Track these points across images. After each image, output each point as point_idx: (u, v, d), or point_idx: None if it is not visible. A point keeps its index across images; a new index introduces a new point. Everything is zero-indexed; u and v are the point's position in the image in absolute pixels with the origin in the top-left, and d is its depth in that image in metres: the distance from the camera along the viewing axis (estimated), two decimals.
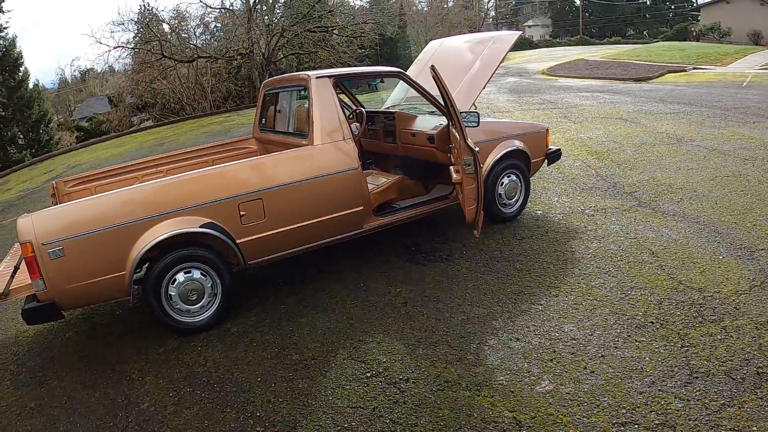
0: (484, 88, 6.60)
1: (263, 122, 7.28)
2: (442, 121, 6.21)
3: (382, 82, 7.95)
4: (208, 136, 20.09)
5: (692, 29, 52.55)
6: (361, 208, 5.60)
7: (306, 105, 5.78)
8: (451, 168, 5.67)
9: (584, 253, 5.74)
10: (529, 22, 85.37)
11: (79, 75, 68.08)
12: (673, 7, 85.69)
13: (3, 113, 28.25)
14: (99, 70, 57.30)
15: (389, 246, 6.46)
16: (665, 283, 4.96)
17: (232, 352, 4.63)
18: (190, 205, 4.82)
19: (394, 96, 8.05)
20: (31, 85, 32.28)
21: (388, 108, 7.61)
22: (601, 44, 60.21)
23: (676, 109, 14.04)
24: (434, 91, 5.92)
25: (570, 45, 62.49)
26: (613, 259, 5.52)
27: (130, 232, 4.64)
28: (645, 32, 77.94)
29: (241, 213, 4.99)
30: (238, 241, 5.00)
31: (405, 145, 6.75)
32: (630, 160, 9.21)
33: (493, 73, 6.64)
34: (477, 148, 5.34)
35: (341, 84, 6.57)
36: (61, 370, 4.78)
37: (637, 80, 22.73)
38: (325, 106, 5.55)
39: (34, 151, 29.77)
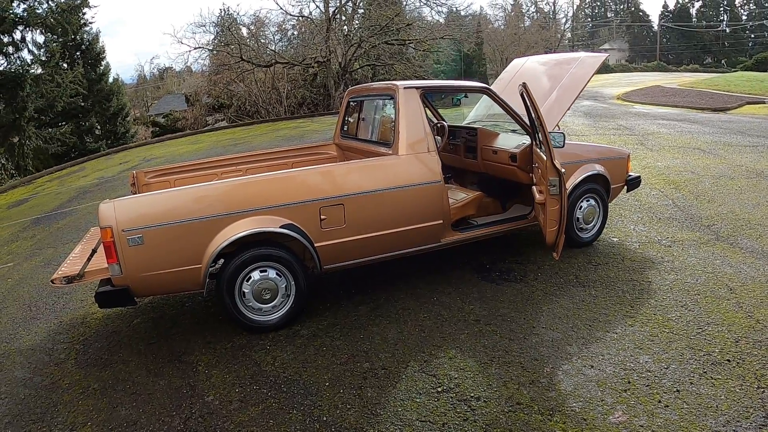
0: (568, 109, 6.54)
1: (345, 129, 7.34)
2: (525, 140, 6.18)
3: (465, 97, 7.98)
4: (282, 140, 20.42)
5: None
6: (441, 221, 5.60)
7: (392, 114, 5.82)
8: (534, 188, 5.66)
9: (661, 284, 5.64)
10: (606, 46, 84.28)
11: (157, 73, 70.10)
12: (753, 36, 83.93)
13: (83, 104, 29.21)
14: (177, 69, 58.82)
15: (464, 262, 6.45)
16: (743, 320, 4.83)
17: (301, 354, 4.67)
18: (271, 204, 4.89)
19: (476, 112, 8.04)
20: (111, 80, 33.34)
21: (469, 123, 7.59)
22: (678, 71, 59.30)
23: (755, 142, 13.68)
24: (518, 109, 5.92)
25: (646, 71, 61.68)
26: (690, 293, 5.41)
27: (210, 227, 4.72)
28: (723, 61, 76.46)
29: (322, 217, 5.03)
30: (316, 245, 5.04)
31: (486, 162, 6.73)
32: (708, 192, 9.02)
33: (579, 94, 6.57)
34: (563, 170, 5.28)
35: (425, 97, 6.62)
36: (126, 355, 4.91)
37: (715, 110, 22.20)
38: (411, 117, 5.56)
39: (109, 142, 30.88)
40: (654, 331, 4.69)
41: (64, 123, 28.91)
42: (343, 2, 35.02)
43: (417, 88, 5.74)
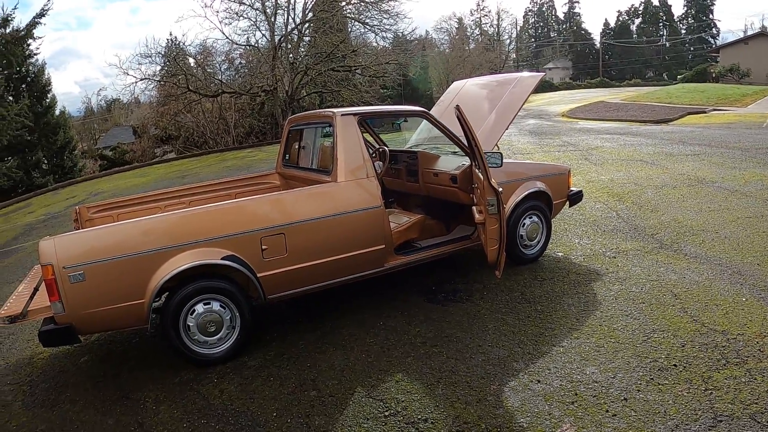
0: (507, 128, 6.61)
1: (287, 158, 7.34)
2: (465, 161, 6.21)
3: (405, 121, 8.00)
4: (229, 170, 20.35)
5: (711, 71, 52.62)
6: (383, 246, 5.58)
7: (331, 142, 5.82)
8: (474, 208, 5.67)
9: (606, 295, 5.70)
10: (550, 65, 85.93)
11: (104, 105, 69.27)
12: (692, 49, 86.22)
13: (29, 138, 28.53)
14: (124, 101, 58.26)
15: (410, 285, 6.42)
16: (688, 325, 4.91)
17: (248, 385, 4.60)
18: (212, 236, 4.83)
19: (417, 135, 8.08)
20: (57, 112, 32.60)
21: (410, 147, 7.63)
22: (621, 86, 60.59)
23: (696, 151, 14.05)
24: (457, 131, 5.95)
25: (590, 87, 62.87)
26: (635, 302, 5.48)
27: (151, 261, 4.64)
28: (664, 74, 78.32)
29: (263, 247, 4.99)
30: (258, 275, 4.98)
31: (427, 184, 6.76)
32: (651, 202, 9.20)
33: (516, 114, 6.65)
34: (500, 189, 5.31)
35: (365, 122, 6.62)
36: (74, 394, 4.78)
37: (657, 122, 22.74)
38: (349, 143, 5.57)
39: (57, 176, 30.03)
40: (600, 342, 4.73)
41: (9, 158, 28.11)
42: (288, 30, 35.07)
43: (354, 114, 5.76)
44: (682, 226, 7.78)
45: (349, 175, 5.48)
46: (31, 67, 29.87)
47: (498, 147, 6.51)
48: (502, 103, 6.77)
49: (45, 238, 4.53)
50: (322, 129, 6.46)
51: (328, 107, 33.69)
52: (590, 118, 26.27)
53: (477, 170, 5.65)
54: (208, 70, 36.43)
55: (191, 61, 36.12)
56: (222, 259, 4.82)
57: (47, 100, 31.23)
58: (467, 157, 6.12)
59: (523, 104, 6.73)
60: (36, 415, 4.51)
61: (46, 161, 31.05)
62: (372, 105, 31.81)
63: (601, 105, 31.56)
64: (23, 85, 29.57)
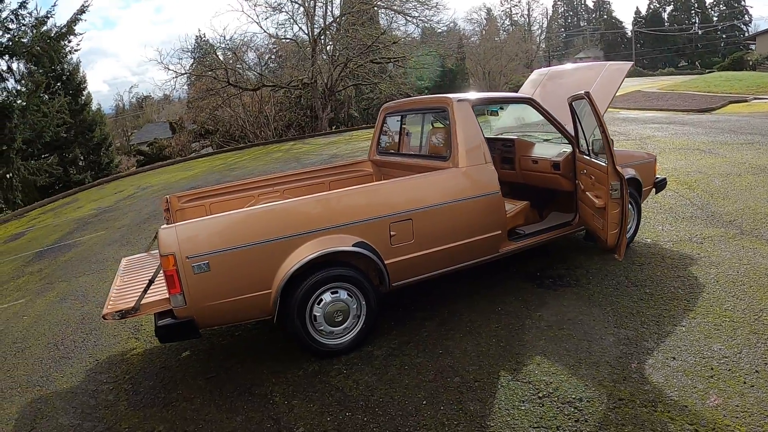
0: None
1: (382, 145, 7.35)
2: (565, 148, 6.34)
3: (502, 108, 8.04)
4: (278, 162, 20.50)
5: (748, 58, 52.01)
6: (500, 232, 5.64)
7: (443, 127, 5.92)
8: (589, 194, 5.78)
9: (706, 278, 5.85)
10: (581, 54, 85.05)
11: (136, 102, 70.06)
12: (724, 36, 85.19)
13: (66, 135, 28.93)
14: (155, 98, 58.93)
15: (512, 272, 6.52)
16: None
17: (383, 375, 4.57)
18: (341, 222, 4.78)
19: (503, 123, 8.17)
20: (92, 110, 33.07)
21: (498, 135, 7.68)
22: (655, 75, 59.97)
23: (750, 140, 14.03)
24: (536, 118, 6.17)
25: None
26: (735, 284, 5.64)
27: (279, 249, 4.56)
28: (697, 62, 77.43)
29: (392, 233, 4.99)
30: (386, 262, 4.99)
31: (525, 171, 6.84)
32: (721, 190, 9.28)
33: (611, 102, 6.74)
34: (624, 174, 5.33)
35: None
36: (186, 392, 4.67)
37: (701, 111, 22.62)
38: (468, 128, 5.59)
39: (93, 173, 30.54)
40: (716, 322, 4.91)
41: (47, 155, 28.36)
42: (327, 23, 35.19)
43: (469, 100, 5.79)
44: (756, 213, 7.89)
45: (470, 161, 5.52)
46: (66, 65, 30.29)
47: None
48: (594, 92, 6.84)
49: (164, 227, 4.43)
50: (434, 115, 6.42)
51: (366, 99, 33.93)
52: (631, 108, 26.17)
53: (587, 156, 5.79)
54: (247, 64, 36.64)
55: (223, 56, 36.39)
56: (353, 245, 4.79)
57: (83, 98, 31.80)
58: (565, 144, 6.31)
59: (617, 92, 6.83)
60: (149, 415, 4.40)
61: (82, 158, 31.58)
62: (410, 96, 31.86)
63: (639, 94, 31.38)
64: (58, 83, 30.01)
